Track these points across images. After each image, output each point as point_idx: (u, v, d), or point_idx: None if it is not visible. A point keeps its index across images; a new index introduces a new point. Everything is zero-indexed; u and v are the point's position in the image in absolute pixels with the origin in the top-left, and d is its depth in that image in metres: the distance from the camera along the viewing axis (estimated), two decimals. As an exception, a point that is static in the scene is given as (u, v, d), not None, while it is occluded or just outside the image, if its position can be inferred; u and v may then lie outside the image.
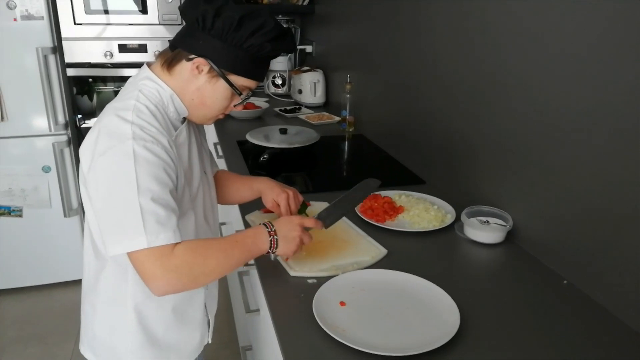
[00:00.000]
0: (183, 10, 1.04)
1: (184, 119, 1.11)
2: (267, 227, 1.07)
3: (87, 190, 0.99)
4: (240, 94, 1.08)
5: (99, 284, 1.11)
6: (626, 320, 1.03)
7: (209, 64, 1.02)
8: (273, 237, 1.06)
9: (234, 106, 1.13)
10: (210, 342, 1.31)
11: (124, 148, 0.92)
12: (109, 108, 1.01)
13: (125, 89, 1.07)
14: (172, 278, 0.93)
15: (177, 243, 0.94)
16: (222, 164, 2.13)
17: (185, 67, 1.04)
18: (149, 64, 1.10)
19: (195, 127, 1.20)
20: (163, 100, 1.05)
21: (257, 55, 1.04)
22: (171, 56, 1.05)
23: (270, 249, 1.06)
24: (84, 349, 1.21)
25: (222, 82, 1.04)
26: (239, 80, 1.06)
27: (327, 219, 1.19)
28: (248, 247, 1.04)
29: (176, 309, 1.15)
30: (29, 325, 2.62)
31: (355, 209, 1.49)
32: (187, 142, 1.11)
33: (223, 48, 1.01)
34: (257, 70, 1.07)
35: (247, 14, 0.99)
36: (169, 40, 1.09)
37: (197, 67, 1.02)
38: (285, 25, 1.07)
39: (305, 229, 1.12)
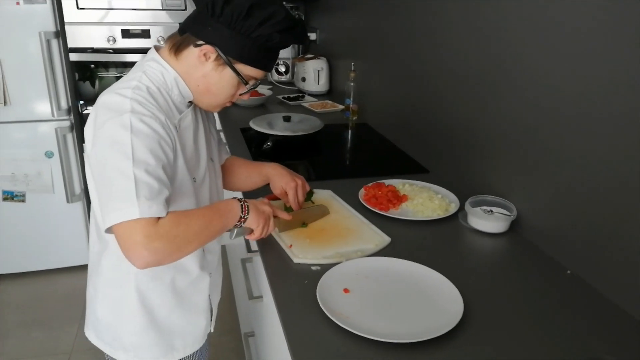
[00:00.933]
0: None
1: (190, 102, 1.11)
2: (238, 199, 1.11)
3: (90, 167, 0.99)
4: (246, 84, 1.08)
5: (102, 265, 1.12)
6: (630, 311, 1.03)
7: (216, 51, 1.01)
8: (244, 203, 1.10)
9: (240, 95, 1.12)
10: (212, 330, 1.31)
11: (121, 120, 0.93)
12: (110, 88, 1.02)
13: (130, 71, 1.08)
14: (157, 248, 0.91)
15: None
16: (225, 151, 2.12)
17: (192, 53, 1.03)
18: (157, 47, 1.09)
19: (203, 114, 1.20)
20: (167, 82, 1.05)
21: (266, 46, 1.03)
22: (179, 40, 1.04)
23: (242, 212, 1.08)
24: (88, 332, 1.22)
25: (228, 71, 1.04)
26: (246, 70, 1.05)
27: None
28: (223, 213, 1.06)
29: (179, 293, 1.16)
30: (32, 310, 2.63)
31: (359, 197, 1.48)
32: (193, 127, 1.11)
33: (231, 36, 0.99)
34: (265, 60, 1.06)
35: (257, 3, 0.98)
36: (179, 23, 1.08)
37: (205, 54, 1.02)
38: (295, 15, 1.05)
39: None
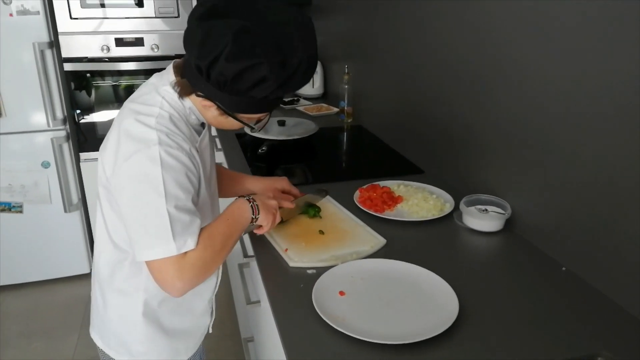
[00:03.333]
0: (184, 45, 0.97)
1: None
2: (245, 197, 1.13)
3: (113, 192, 0.99)
4: (253, 128, 1.08)
5: (114, 274, 1.12)
6: (625, 307, 1.03)
7: (215, 104, 0.99)
8: (252, 203, 1.12)
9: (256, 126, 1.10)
10: (211, 331, 1.32)
11: (150, 153, 0.92)
12: (130, 111, 0.99)
13: (148, 91, 1.03)
14: (190, 277, 0.95)
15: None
16: (220, 157, 2.13)
17: (195, 100, 1.01)
18: (175, 64, 1.05)
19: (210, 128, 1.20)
20: (185, 108, 1.03)
21: (265, 101, 0.99)
22: (182, 84, 1.00)
23: (253, 214, 1.11)
24: (94, 334, 1.22)
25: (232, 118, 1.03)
26: (250, 116, 1.03)
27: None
28: (237, 220, 1.09)
29: (184, 303, 1.17)
30: (32, 320, 2.63)
31: (354, 199, 1.49)
32: (209, 145, 1.14)
33: (225, 96, 0.96)
34: (267, 106, 1.03)
35: (245, 67, 0.89)
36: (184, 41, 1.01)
37: (207, 105, 1.00)
38: (304, 53, 0.95)
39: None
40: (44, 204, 2.74)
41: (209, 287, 1.23)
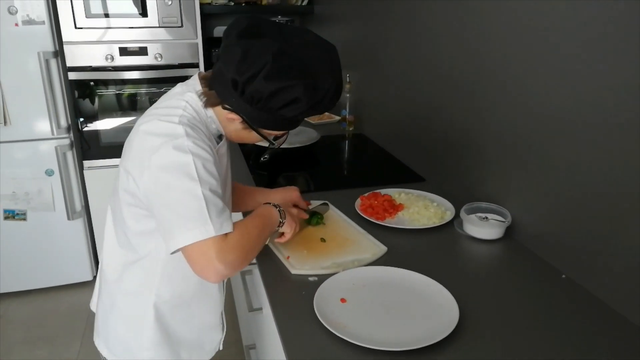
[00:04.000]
0: (220, 57, 1.00)
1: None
2: (270, 203, 1.18)
3: (142, 192, 0.99)
4: (274, 145, 1.12)
5: (125, 276, 1.12)
6: (625, 314, 1.04)
7: (241, 118, 1.03)
8: (279, 208, 1.17)
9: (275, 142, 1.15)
10: (221, 348, 1.32)
11: (178, 143, 0.94)
12: (152, 115, 1.02)
13: (172, 96, 1.06)
14: (231, 260, 0.95)
15: None
16: (223, 165, 2.14)
17: (221, 112, 1.05)
18: (200, 75, 1.09)
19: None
20: (207, 114, 1.06)
21: (291, 119, 1.04)
22: (209, 96, 1.04)
23: (280, 218, 1.16)
24: (97, 341, 1.22)
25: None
26: (274, 132, 1.08)
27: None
28: (269, 219, 1.14)
29: (195, 310, 1.18)
30: (35, 327, 2.64)
31: (356, 207, 1.50)
32: (227, 155, 1.17)
33: (254, 111, 1.00)
34: (292, 125, 1.08)
35: (281, 88, 0.94)
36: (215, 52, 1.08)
37: (232, 118, 1.04)
38: (334, 79, 1.01)
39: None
40: (47, 211, 2.75)
41: (218, 299, 1.24)
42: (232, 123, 1.05)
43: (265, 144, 1.14)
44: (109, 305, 1.17)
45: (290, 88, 0.95)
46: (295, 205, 1.36)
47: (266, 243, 1.19)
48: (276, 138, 1.12)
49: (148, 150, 0.95)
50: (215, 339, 1.27)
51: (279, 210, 1.16)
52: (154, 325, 1.12)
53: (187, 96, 1.04)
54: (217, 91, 1.02)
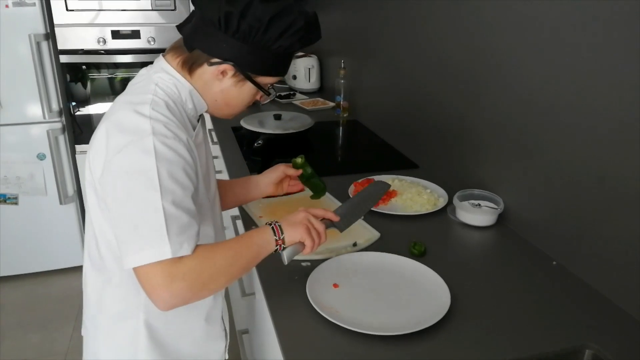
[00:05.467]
0: (199, 6, 0.93)
1: (200, 116, 1.05)
2: (269, 222, 0.99)
3: (102, 194, 0.89)
4: (269, 94, 1.03)
5: (104, 300, 1.01)
6: (614, 299, 1.05)
7: (234, 68, 0.95)
8: (274, 224, 0.97)
9: (261, 101, 1.06)
10: (227, 357, 1.19)
11: (143, 144, 0.83)
12: (121, 103, 0.93)
13: (138, 82, 0.98)
14: (179, 288, 0.82)
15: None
16: (216, 150, 2.13)
17: (207, 71, 0.95)
18: (164, 55, 1.00)
19: (205, 126, 1.14)
20: (181, 96, 0.97)
21: (285, 53, 0.97)
22: (190, 58, 0.96)
23: (275, 235, 0.96)
24: None
25: (248, 84, 0.98)
26: (265, 80, 0.99)
27: (342, 222, 1.08)
28: (254, 242, 0.94)
29: (192, 322, 1.07)
30: (28, 311, 2.64)
31: (349, 193, 1.50)
32: (204, 142, 1.06)
33: (249, 51, 0.92)
34: (283, 66, 1.00)
35: (276, 14, 0.90)
36: (176, 26, 0.99)
37: (222, 72, 0.95)
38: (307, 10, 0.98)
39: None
40: (39, 195, 2.74)
41: (213, 306, 1.11)
42: (220, 82, 0.96)
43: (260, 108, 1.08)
44: (94, 333, 1.06)
45: (286, 10, 0.90)
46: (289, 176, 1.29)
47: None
48: (270, 94, 1.04)
49: (112, 149, 0.85)
50: (219, 348, 1.15)
51: (272, 227, 0.97)
52: (149, 345, 1.01)
53: (155, 78, 0.96)
54: (200, 47, 0.94)
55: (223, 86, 0.97)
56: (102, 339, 1.04)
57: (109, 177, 0.85)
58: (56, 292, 2.79)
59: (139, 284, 0.84)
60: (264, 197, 1.33)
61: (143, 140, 0.84)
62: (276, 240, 0.96)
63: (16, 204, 2.72)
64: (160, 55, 1.01)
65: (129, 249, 0.82)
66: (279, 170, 1.29)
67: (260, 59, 0.95)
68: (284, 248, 0.97)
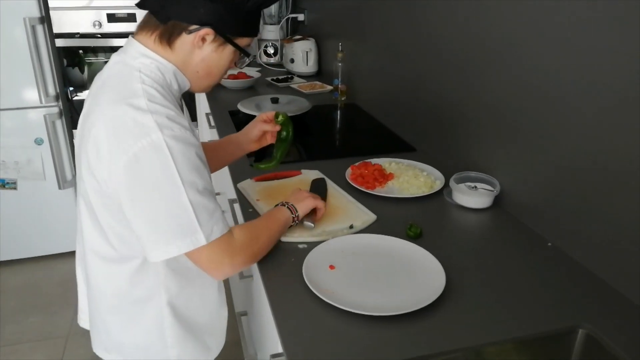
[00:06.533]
0: None
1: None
2: (281, 203, 1.16)
3: (112, 195, 0.90)
4: (249, 55, 1.04)
5: (123, 288, 1.03)
6: (608, 280, 1.06)
7: (214, 32, 0.94)
8: (286, 204, 1.15)
9: (241, 66, 1.09)
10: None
11: (154, 143, 0.84)
12: (109, 98, 0.90)
13: (118, 72, 0.95)
14: (239, 260, 0.97)
15: (230, 228, 0.96)
16: (214, 135, 2.13)
17: (186, 40, 0.95)
18: (136, 37, 0.98)
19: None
20: (166, 79, 0.96)
21: (257, 11, 1.00)
22: (166, 30, 0.94)
23: (292, 213, 1.14)
24: (108, 356, 1.12)
25: (228, 48, 0.98)
26: (243, 41, 1.00)
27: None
28: (278, 218, 1.12)
29: (205, 293, 1.12)
30: (28, 295, 2.66)
31: (346, 176, 1.51)
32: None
33: (225, 12, 0.93)
34: (257, 25, 1.04)
35: None
36: (136, 4, 0.97)
37: (202, 39, 0.95)
38: None
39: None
40: (38, 180, 2.74)
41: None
42: (201, 50, 0.96)
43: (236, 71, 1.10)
44: (117, 320, 1.07)
45: None
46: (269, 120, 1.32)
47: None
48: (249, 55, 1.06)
49: (120, 151, 0.85)
50: (224, 313, 1.20)
51: (288, 208, 1.15)
52: (174, 323, 1.05)
53: (136, 64, 0.94)
54: (176, 16, 0.93)
55: (204, 54, 0.97)
56: (126, 326, 1.07)
57: (122, 179, 0.86)
58: (56, 276, 2.81)
59: (194, 264, 0.96)
60: (256, 181, 1.42)
61: (151, 137, 0.84)
62: (293, 217, 1.15)
63: (15, 188, 2.72)
64: (130, 37, 0.99)
65: (159, 243, 0.89)
66: (257, 128, 1.32)
67: (237, 19, 0.96)
68: (301, 220, 1.18)
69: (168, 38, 0.95)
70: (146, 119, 0.85)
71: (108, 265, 1.02)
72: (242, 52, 1.02)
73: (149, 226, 0.89)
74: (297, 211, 1.15)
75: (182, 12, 0.92)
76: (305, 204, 1.18)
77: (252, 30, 1.02)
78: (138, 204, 0.88)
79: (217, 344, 1.17)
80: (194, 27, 0.93)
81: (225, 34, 0.96)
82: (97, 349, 1.14)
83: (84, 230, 1.04)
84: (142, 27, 0.98)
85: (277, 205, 1.17)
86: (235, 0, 0.94)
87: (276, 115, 1.31)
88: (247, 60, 1.07)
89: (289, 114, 2.01)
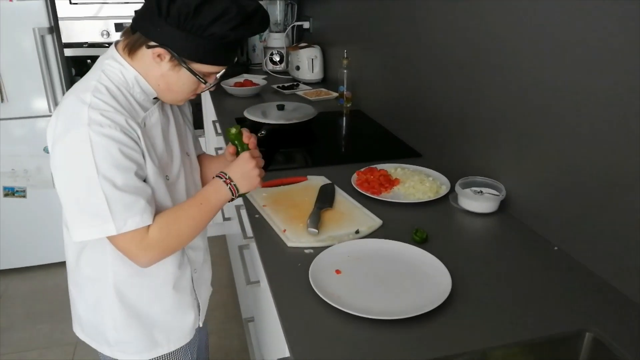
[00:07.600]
0: None
1: (156, 98, 1.07)
2: (222, 177, 1.09)
3: (53, 171, 0.99)
4: (205, 82, 1.03)
5: (80, 263, 1.12)
6: (615, 284, 1.06)
7: (169, 52, 0.97)
8: (229, 183, 1.09)
9: (204, 89, 1.08)
10: (201, 325, 1.29)
11: (79, 135, 0.91)
12: (72, 89, 1.01)
13: (91, 70, 1.05)
14: (152, 255, 1.01)
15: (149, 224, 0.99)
16: (220, 142, 2.15)
17: (146, 53, 0.99)
18: (116, 43, 1.05)
19: (175, 108, 1.19)
20: (127, 81, 1.01)
21: (222, 42, 0.97)
22: (132, 41, 0.99)
23: (233, 196, 1.10)
24: (75, 328, 1.25)
25: (185, 70, 1.00)
26: (204, 68, 1.00)
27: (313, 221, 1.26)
28: (213, 204, 1.08)
29: (159, 289, 1.15)
30: (37, 303, 2.68)
31: (352, 182, 1.51)
32: (162, 123, 1.09)
33: (182, 37, 0.94)
34: (223, 56, 1.01)
35: (206, 0, 0.92)
36: (135, 11, 1.02)
37: (159, 56, 0.98)
38: (257, 1, 1.00)
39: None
40: (47, 188, 2.77)
41: (180, 276, 1.18)
42: (158, 65, 0.99)
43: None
44: (74, 291, 1.19)
45: None
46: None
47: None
48: (206, 82, 1.04)
49: (58, 135, 0.94)
50: (190, 318, 1.23)
51: (229, 188, 1.08)
52: (119, 306, 1.12)
53: (103, 65, 1.01)
54: (140, 30, 0.97)
55: (162, 70, 1.00)
56: (81, 296, 1.17)
57: (53, 162, 0.96)
58: (65, 284, 2.80)
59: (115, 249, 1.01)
60: (262, 187, 1.38)
61: (79, 130, 0.91)
62: (232, 198, 1.10)
63: (24, 197, 2.75)
64: (113, 43, 1.06)
65: (78, 225, 0.96)
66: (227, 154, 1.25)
67: (195, 45, 0.96)
68: (239, 196, 1.12)
69: (131, 47, 1.00)
70: (82, 111, 0.93)
71: (68, 239, 1.12)
72: (198, 77, 1.01)
73: (69, 208, 0.97)
74: (238, 191, 1.10)
75: (145, 27, 0.98)
76: (252, 182, 1.11)
77: (214, 59, 1.00)
78: (62, 187, 0.96)
79: (169, 343, 1.20)
80: (152, 43, 0.97)
81: (180, 57, 0.98)
82: (73, 324, 1.25)
83: None
84: (122, 34, 1.05)
85: (217, 176, 1.09)
86: (192, 29, 0.94)
87: (227, 131, 1.24)
88: (205, 89, 1.08)
89: (295, 121, 2.03)
